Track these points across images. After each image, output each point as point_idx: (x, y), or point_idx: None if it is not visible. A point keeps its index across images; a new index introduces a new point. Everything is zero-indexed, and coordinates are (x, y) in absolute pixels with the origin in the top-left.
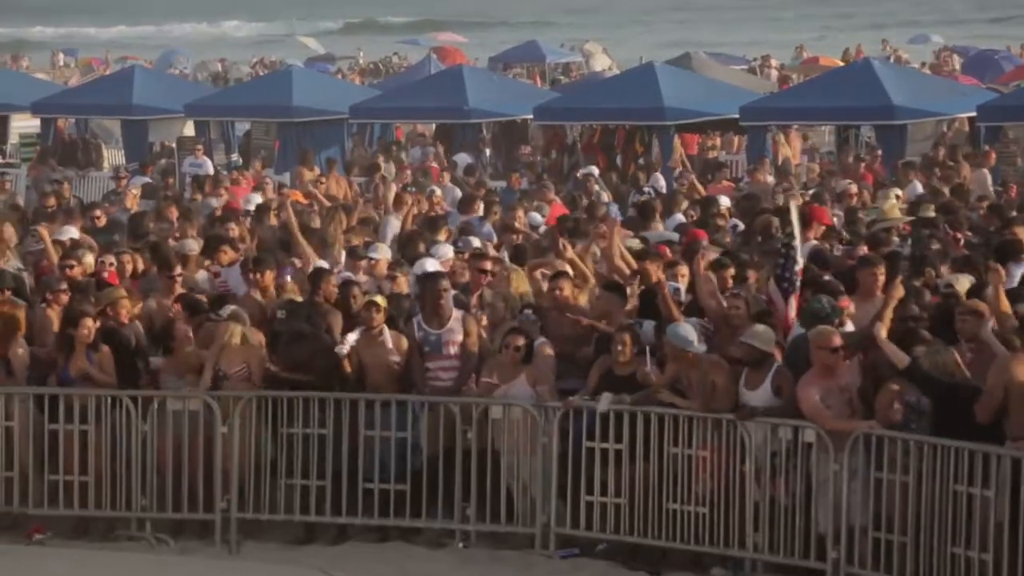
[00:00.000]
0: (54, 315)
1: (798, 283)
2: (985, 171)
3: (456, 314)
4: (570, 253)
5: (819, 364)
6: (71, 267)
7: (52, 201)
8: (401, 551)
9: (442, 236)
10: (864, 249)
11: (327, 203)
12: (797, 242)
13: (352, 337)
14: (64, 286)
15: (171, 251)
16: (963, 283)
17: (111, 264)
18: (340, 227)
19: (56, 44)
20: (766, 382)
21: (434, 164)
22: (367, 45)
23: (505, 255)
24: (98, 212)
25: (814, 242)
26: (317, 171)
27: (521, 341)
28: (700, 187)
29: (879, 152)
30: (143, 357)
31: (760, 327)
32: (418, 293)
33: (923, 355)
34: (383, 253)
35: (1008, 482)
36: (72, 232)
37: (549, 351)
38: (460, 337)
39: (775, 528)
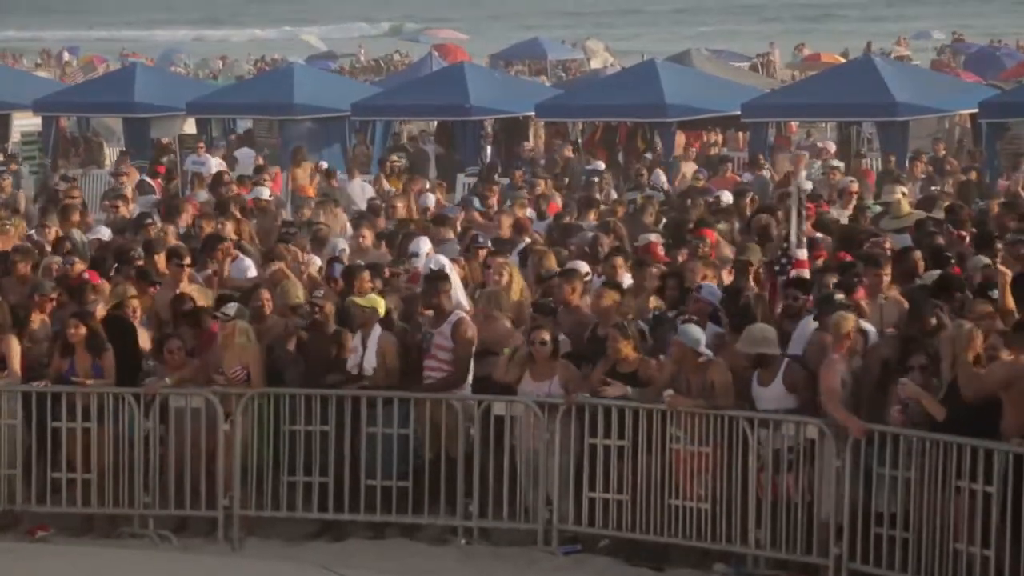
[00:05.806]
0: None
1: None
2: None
3: (452, 317)
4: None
5: (845, 349)
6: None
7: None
8: (403, 548)
9: (449, 233)
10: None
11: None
12: (793, 228)
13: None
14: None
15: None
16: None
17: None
18: (333, 219)
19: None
20: (777, 379)
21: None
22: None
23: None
24: (119, 203)
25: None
26: (311, 168)
27: (547, 336)
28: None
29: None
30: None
31: (754, 328)
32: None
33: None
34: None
35: (1009, 479)
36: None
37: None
38: (449, 343)
39: (777, 524)
